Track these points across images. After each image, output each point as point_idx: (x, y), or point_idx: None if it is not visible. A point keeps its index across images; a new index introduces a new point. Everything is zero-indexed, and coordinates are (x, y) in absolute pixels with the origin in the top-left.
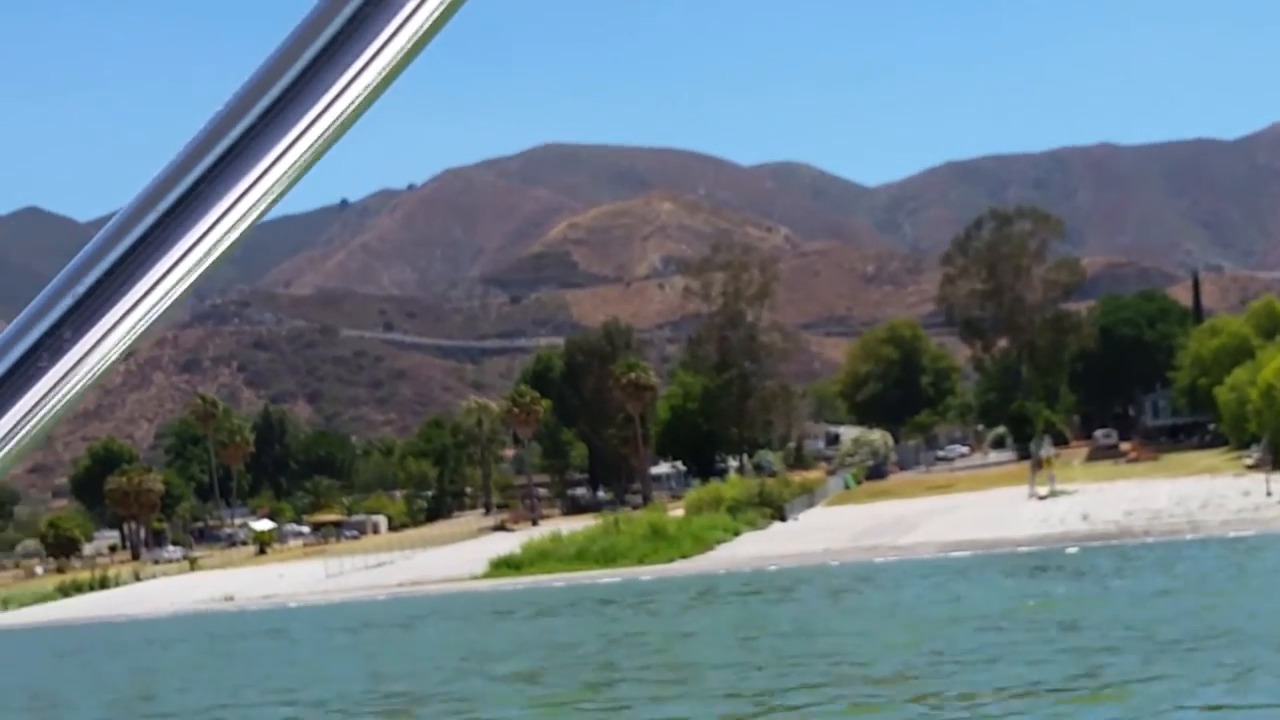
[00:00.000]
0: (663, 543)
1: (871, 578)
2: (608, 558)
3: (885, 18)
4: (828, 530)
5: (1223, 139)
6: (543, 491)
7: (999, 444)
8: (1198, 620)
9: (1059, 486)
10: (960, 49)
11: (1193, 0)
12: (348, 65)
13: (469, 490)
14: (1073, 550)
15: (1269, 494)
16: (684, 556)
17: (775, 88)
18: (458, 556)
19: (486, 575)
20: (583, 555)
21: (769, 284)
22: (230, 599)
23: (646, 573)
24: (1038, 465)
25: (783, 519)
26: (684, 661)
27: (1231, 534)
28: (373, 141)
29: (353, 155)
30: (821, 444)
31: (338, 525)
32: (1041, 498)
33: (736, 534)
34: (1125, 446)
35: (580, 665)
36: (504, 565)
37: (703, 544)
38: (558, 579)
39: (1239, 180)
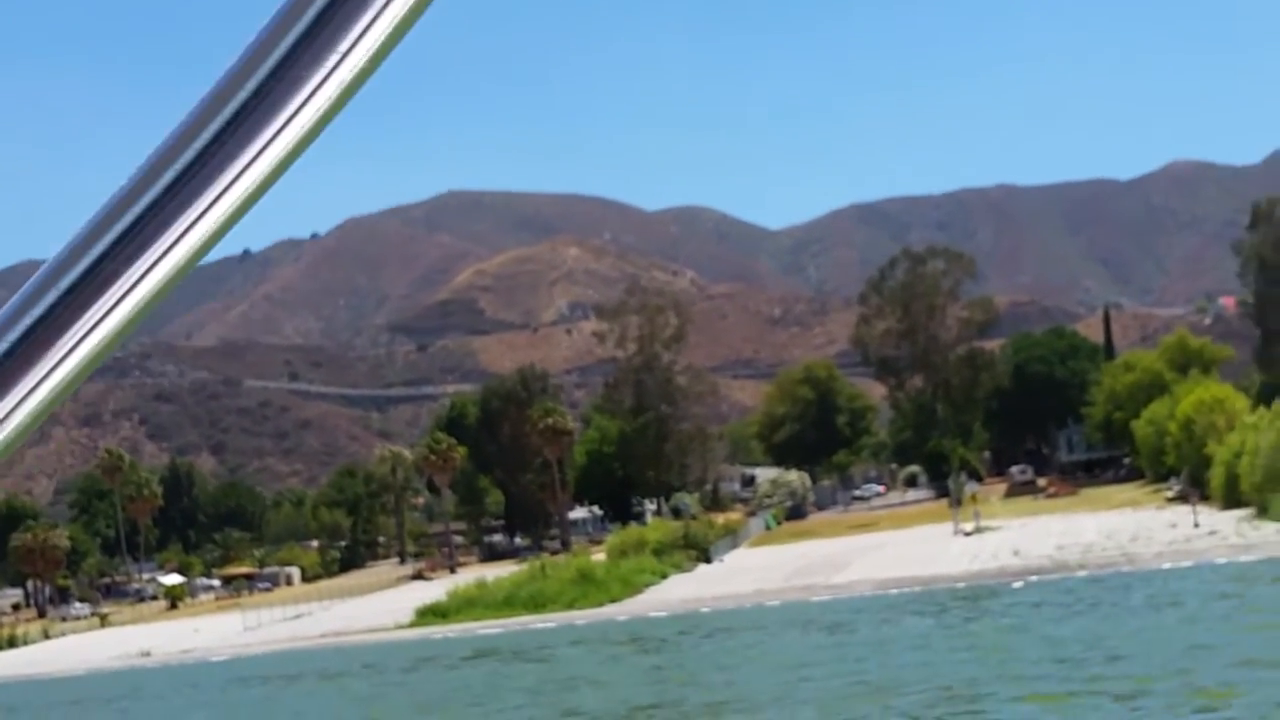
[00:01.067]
0: (591, 587)
1: (849, 618)
2: (536, 603)
3: (785, 61)
4: (756, 571)
5: (1118, 179)
6: (459, 539)
7: (911, 482)
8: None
9: (984, 523)
10: (862, 91)
11: (1088, 43)
12: (281, 105)
13: (382, 539)
14: (1019, 585)
15: (1196, 525)
16: (614, 600)
17: (678, 132)
18: (379, 606)
19: (413, 624)
20: (511, 601)
21: (683, 327)
22: (147, 654)
23: (579, 617)
24: (958, 502)
25: (708, 561)
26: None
27: (1167, 565)
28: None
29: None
30: (737, 486)
31: (249, 578)
32: (967, 534)
33: (664, 576)
34: (1042, 482)
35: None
36: (430, 614)
37: (631, 587)
38: (488, 625)
39: (1135, 219)
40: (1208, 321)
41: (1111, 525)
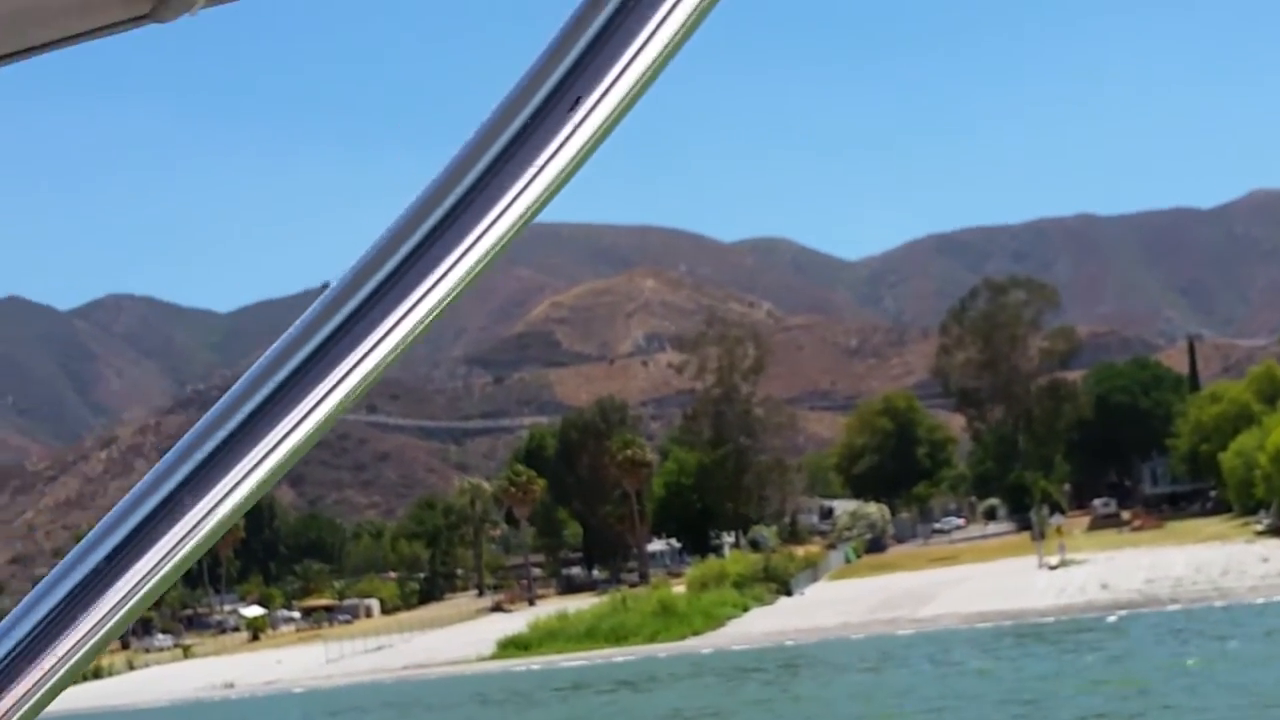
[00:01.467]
0: (673, 619)
1: (945, 652)
2: (618, 636)
3: (862, 92)
4: (838, 604)
5: (1199, 208)
6: (537, 571)
7: (991, 515)
8: None
9: (1069, 556)
10: (938, 121)
11: (1168, 71)
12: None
13: (460, 572)
14: (1113, 619)
15: None
16: (695, 633)
17: (754, 163)
18: (459, 638)
19: (494, 656)
20: (592, 633)
21: (762, 358)
22: (230, 685)
23: (661, 650)
24: (1041, 535)
25: (788, 593)
26: None
27: (1260, 600)
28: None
29: (334, 238)
30: (815, 518)
31: (329, 610)
32: (1052, 568)
33: (745, 609)
34: (1127, 515)
35: None
36: (512, 646)
37: (713, 620)
38: (569, 658)
39: (1216, 248)
40: None
41: (1200, 559)
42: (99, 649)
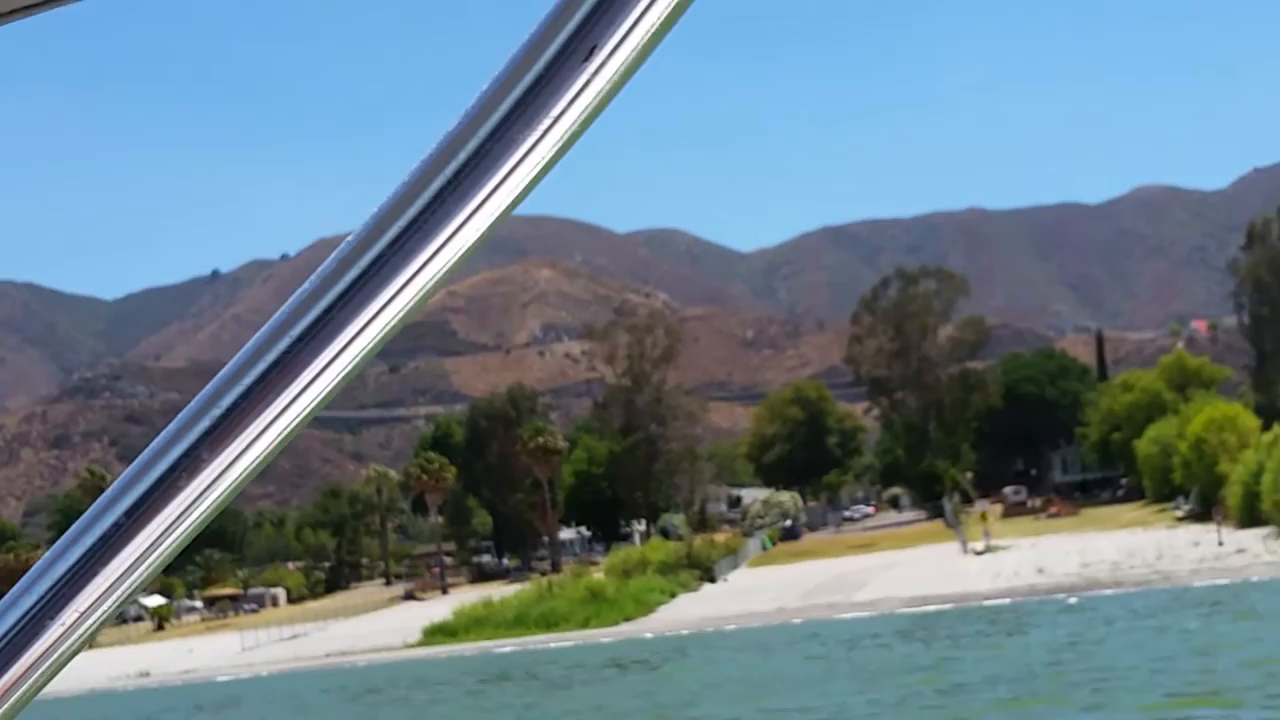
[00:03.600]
0: (604, 606)
1: (923, 632)
2: (548, 622)
3: (756, 83)
4: (767, 590)
5: (1087, 203)
6: (447, 560)
7: (894, 503)
8: None
9: (993, 542)
10: (831, 114)
11: (1055, 67)
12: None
13: (365, 561)
14: (1072, 600)
15: (1221, 544)
16: (628, 619)
17: (649, 155)
18: (378, 626)
19: (420, 643)
20: (522, 620)
21: (672, 346)
22: (146, 674)
23: (603, 635)
24: (956, 523)
25: (711, 580)
26: None
27: (1202, 582)
28: (244, 211)
29: (223, 225)
30: (724, 506)
31: (234, 599)
32: (978, 553)
33: (673, 595)
34: (1036, 502)
35: None
36: (439, 632)
37: (644, 606)
38: (502, 644)
39: (1104, 243)
40: (1180, 345)
41: (1131, 544)
42: (120, 604)
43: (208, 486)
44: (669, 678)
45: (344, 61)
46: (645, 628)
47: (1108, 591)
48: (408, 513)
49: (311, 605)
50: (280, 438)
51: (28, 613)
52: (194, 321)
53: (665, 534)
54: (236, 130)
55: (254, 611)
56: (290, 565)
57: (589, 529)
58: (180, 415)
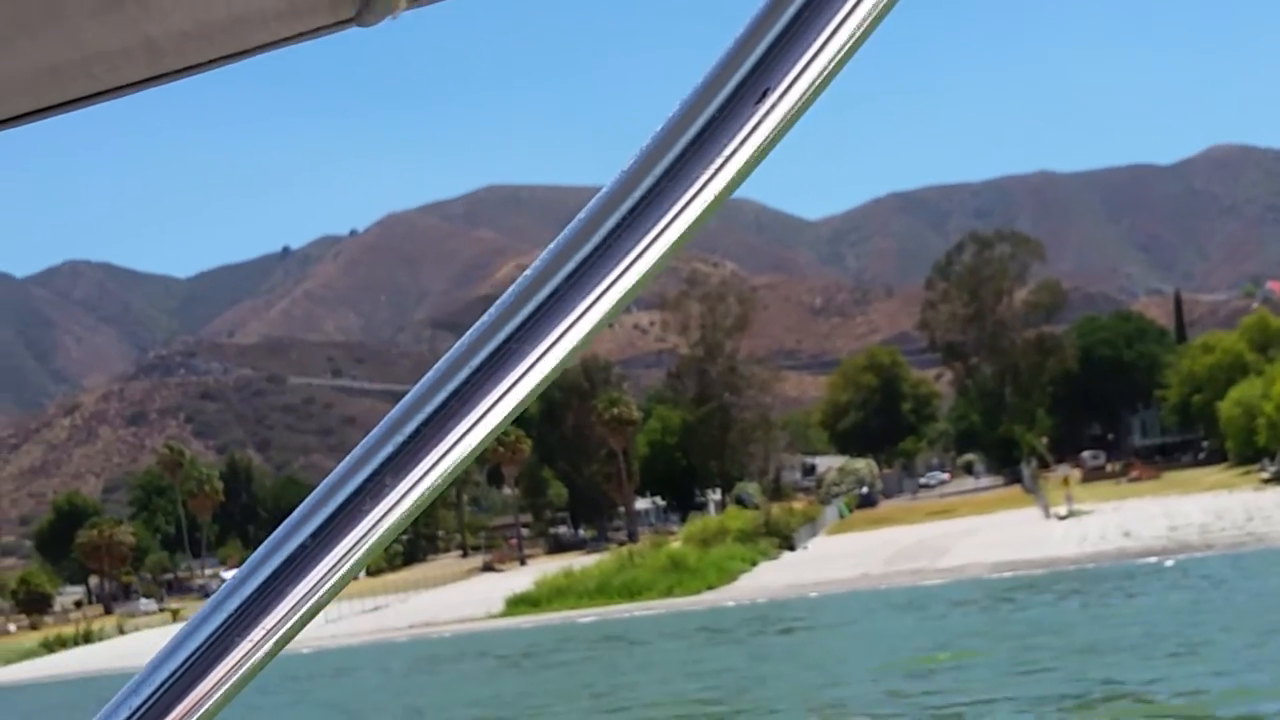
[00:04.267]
0: (685, 575)
1: (1031, 595)
2: (630, 591)
3: None
4: (847, 557)
5: (1158, 164)
6: (524, 531)
7: (969, 469)
8: None
9: (1076, 506)
10: (897, 80)
11: (1126, 28)
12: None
13: (441, 533)
14: (1170, 563)
15: None
16: (710, 588)
17: None
18: (458, 597)
19: (504, 614)
20: (604, 589)
21: (745, 315)
22: None
23: (687, 603)
24: (1035, 488)
25: (791, 548)
26: None
27: None
28: (313, 188)
29: (293, 202)
30: (798, 475)
31: None
32: (1061, 518)
33: (753, 564)
34: (1115, 467)
35: None
36: (522, 603)
37: (727, 574)
38: (585, 614)
39: (1176, 204)
40: (1255, 305)
41: (1217, 506)
42: (302, 625)
43: (389, 509)
44: (820, 638)
45: (413, 38)
46: (728, 596)
47: (1200, 554)
48: (482, 485)
49: (390, 577)
50: (458, 463)
51: (220, 628)
52: (266, 298)
53: (741, 502)
54: (305, 108)
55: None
56: None
57: (664, 499)
58: (365, 440)
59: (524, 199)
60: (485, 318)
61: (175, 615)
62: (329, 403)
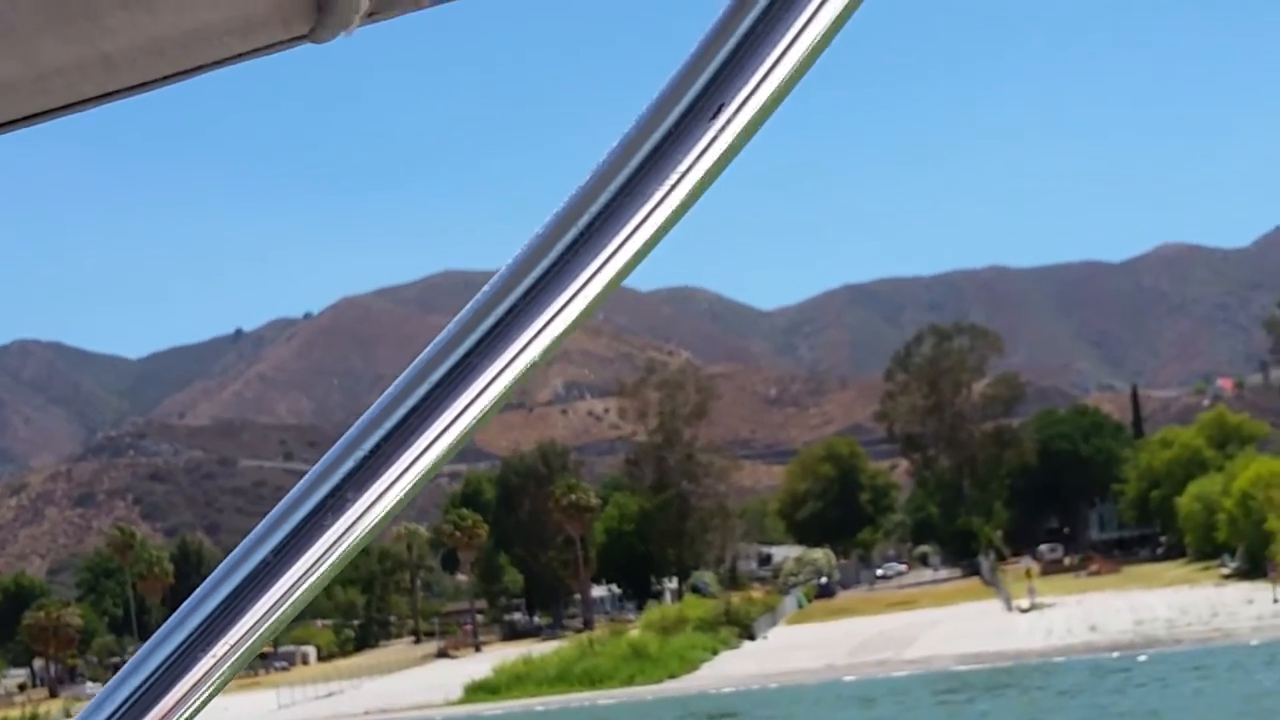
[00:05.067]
0: (647, 663)
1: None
2: (592, 679)
3: (776, 142)
4: (809, 648)
5: (1110, 261)
6: (479, 618)
7: (923, 561)
8: None
9: (1038, 599)
10: (850, 172)
11: (1077, 125)
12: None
13: (394, 618)
14: (1143, 658)
15: (1277, 600)
16: (672, 677)
17: None
18: (414, 683)
19: (463, 700)
20: (564, 677)
21: (704, 403)
22: None
23: (647, 692)
24: (994, 581)
25: (751, 638)
26: None
27: (1259, 641)
28: (268, 270)
29: (247, 284)
30: (754, 564)
31: (263, 656)
32: (1024, 610)
33: (714, 653)
34: (1072, 560)
35: None
36: (480, 690)
37: (688, 664)
38: (546, 701)
39: (1126, 301)
40: (1206, 403)
41: (1180, 601)
42: (268, 636)
43: (351, 525)
44: None
45: (364, 119)
46: (691, 685)
47: (1171, 649)
48: (436, 570)
49: (342, 663)
50: (419, 478)
51: (182, 644)
52: (218, 380)
53: (696, 591)
54: (261, 190)
55: (284, 669)
56: (319, 623)
57: (620, 587)
58: (326, 457)
59: (477, 284)
60: (444, 333)
61: None
62: (280, 485)
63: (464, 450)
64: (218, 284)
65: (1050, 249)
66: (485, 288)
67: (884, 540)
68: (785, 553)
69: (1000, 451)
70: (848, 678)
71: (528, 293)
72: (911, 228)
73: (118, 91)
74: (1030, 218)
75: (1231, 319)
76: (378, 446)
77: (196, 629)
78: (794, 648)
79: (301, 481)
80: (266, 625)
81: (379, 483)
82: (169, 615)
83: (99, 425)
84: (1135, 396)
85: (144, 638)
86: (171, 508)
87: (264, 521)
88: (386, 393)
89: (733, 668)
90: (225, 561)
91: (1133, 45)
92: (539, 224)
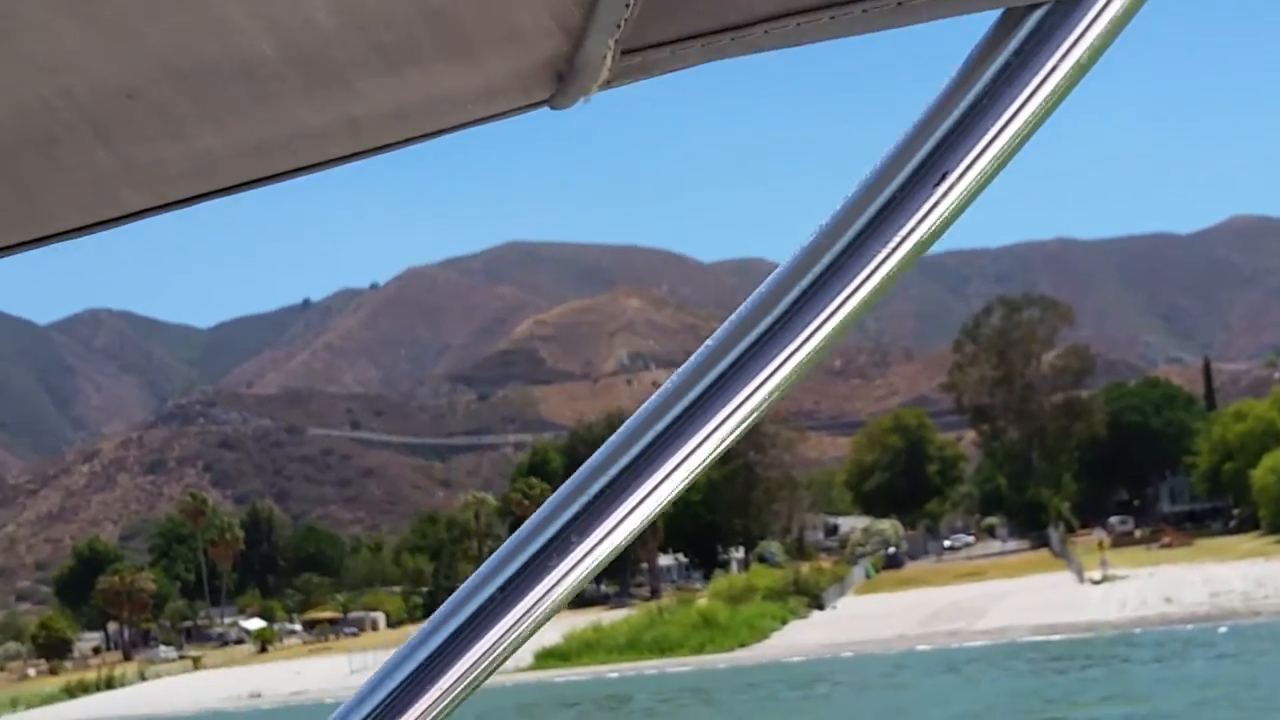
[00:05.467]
0: (717, 632)
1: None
2: (661, 648)
3: (839, 115)
4: (880, 617)
5: (1178, 233)
6: None
7: (990, 532)
8: None
9: (1110, 571)
10: None
11: (1145, 97)
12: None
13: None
14: (1224, 629)
15: None
16: (742, 645)
17: (733, 186)
18: None
19: (533, 667)
20: (634, 645)
21: None
22: (258, 696)
23: (719, 660)
24: (1064, 552)
25: (820, 607)
26: None
27: None
28: (334, 241)
29: (314, 255)
30: (820, 535)
31: (333, 623)
32: (1096, 582)
33: (784, 622)
34: (1143, 533)
35: None
36: (551, 657)
37: (759, 633)
38: (613, 669)
39: (1196, 274)
40: (1277, 375)
41: (1256, 574)
42: (488, 674)
43: (573, 566)
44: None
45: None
46: (761, 654)
47: (1250, 621)
48: (503, 538)
49: (412, 629)
50: (640, 523)
51: (410, 676)
52: (286, 350)
53: (763, 560)
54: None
55: (354, 635)
56: (388, 590)
57: (686, 556)
58: (552, 498)
59: (543, 256)
60: (671, 380)
61: (196, 663)
62: (347, 454)
63: (528, 421)
64: (286, 255)
65: (1118, 221)
66: (709, 340)
67: (951, 511)
68: (852, 523)
69: (1070, 423)
70: (920, 647)
71: (751, 347)
72: (978, 199)
73: (359, 153)
74: (1098, 189)
75: None
76: (602, 491)
77: (424, 661)
78: (864, 617)
79: (527, 521)
80: (491, 659)
81: (603, 526)
82: (240, 581)
83: (169, 394)
84: (1208, 369)
85: (215, 603)
86: (241, 475)
87: (489, 560)
88: (613, 438)
89: (804, 637)
90: (453, 596)
91: (1201, 17)
92: (765, 279)
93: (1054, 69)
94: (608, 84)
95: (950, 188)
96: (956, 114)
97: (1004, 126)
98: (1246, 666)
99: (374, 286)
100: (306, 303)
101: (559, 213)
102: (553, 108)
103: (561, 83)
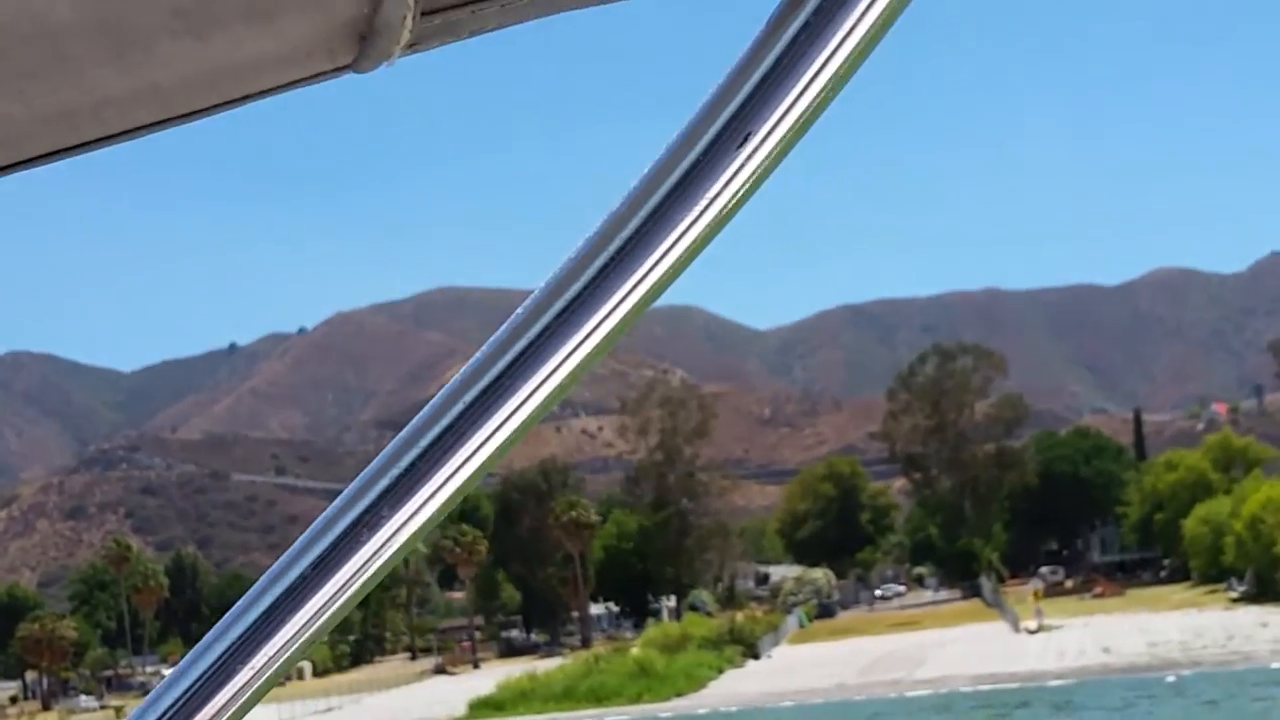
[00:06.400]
0: (654, 681)
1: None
2: (598, 697)
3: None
4: (817, 667)
5: (1104, 284)
6: (475, 634)
7: (919, 581)
8: None
9: (1046, 621)
10: (847, 194)
11: (1073, 150)
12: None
13: (388, 634)
14: (1171, 679)
15: None
16: (679, 695)
17: None
18: (413, 700)
19: (467, 717)
20: (570, 694)
21: (706, 421)
22: None
23: (659, 710)
24: (997, 602)
25: (755, 657)
26: None
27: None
28: (262, 285)
29: (241, 298)
30: (751, 583)
31: None
32: (1031, 632)
33: (720, 671)
34: (1074, 583)
35: None
36: (485, 706)
37: (696, 682)
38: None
39: (1120, 325)
40: (1200, 427)
41: (1192, 625)
42: (305, 650)
43: (386, 540)
44: None
45: (361, 138)
46: (699, 703)
47: (1192, 671)
48: (431, 586)
49: (339, 679)
50: (454, 494)
51: (221, 656)
52: (210, 394)
53: (694, 609)
54: (257, 205)
55: (280, 684)
56: None
57: (617, 605)
58: (362, 474)
59: (471, 301)
60: (478, 355)
61: (118, 713)
62: (272, 500)
63: None
64: (212, 298)
65: (1045, 272)
66: (518, 310)
67: (882, 560)
68: (783, 572)
69: (1001, 473)
70: (858, 697)
71: (558, 316)
72: (907, 249)
73: (168, 120)
74: (1025, 241)
75: (1226, 344)
76: (413, 465)
77: (235, 642)
78: (801, 667)
79: (339, 498)
80: (304, 639)
81: (414, 500)
82: (163, 629)
83: (91, 438)
84: (1138, 419)
85: (137, 651)
86: (163, 521)
87: (302, 537)
88: (422, 412)
89: (742, 686)
90: (264, 576)
91: (1130, 72)
92: (563, 246)
93: (855, 25)
94: (411, 47)
95: (755, 149)
96: (758, 74)
97: (807, 85)
98: (1208, 714)
99: (302, 331)
100: (233, 347)
101: (487, 257)
102: (356, 71)
103: (364, 45)
